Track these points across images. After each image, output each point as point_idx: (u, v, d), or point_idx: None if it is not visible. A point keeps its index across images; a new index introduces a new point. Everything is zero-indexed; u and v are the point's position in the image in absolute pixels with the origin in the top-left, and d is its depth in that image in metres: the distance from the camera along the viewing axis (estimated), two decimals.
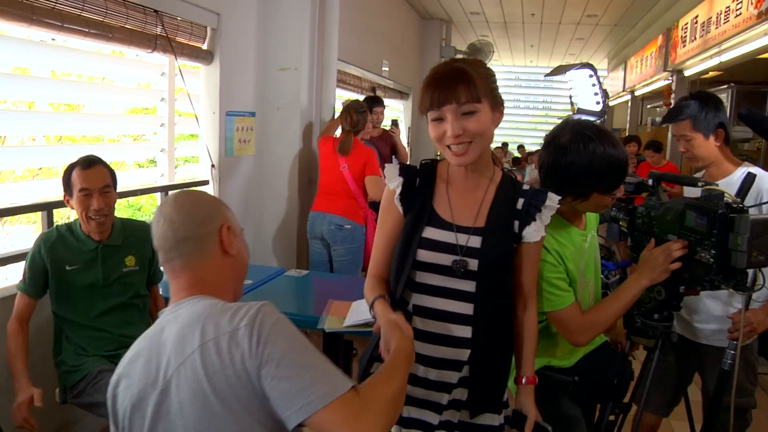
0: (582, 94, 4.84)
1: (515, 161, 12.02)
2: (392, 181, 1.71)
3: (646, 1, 8.25)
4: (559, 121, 2.08)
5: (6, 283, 2.77)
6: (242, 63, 4.38)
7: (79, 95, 3.70)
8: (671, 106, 2.65)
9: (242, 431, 1.13)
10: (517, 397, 1.76)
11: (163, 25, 3.44)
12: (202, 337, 1.15)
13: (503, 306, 1.68)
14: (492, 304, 1.64)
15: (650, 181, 2.07)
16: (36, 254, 2.45)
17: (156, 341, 1.23)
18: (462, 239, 1.63)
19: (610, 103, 13.18)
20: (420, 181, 1.70)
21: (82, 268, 2.49)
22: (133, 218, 2.72)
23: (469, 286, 1.62)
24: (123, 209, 7.71)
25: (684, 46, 6.88)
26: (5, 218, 7.53)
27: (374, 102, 5.11)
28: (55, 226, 2.58)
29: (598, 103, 4.36)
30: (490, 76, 1.58)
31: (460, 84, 1.51)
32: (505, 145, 13.15)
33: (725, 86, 6.40)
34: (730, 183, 2.28)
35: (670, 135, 7.78)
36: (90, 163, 2.48)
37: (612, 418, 2.13)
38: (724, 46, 5.74)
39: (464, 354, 1.65)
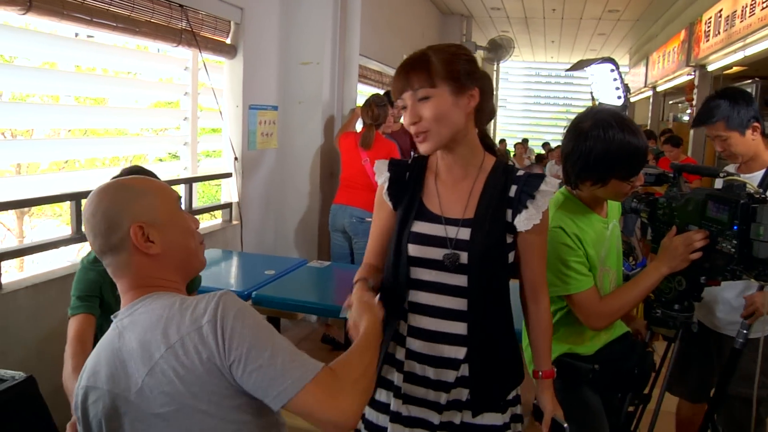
0: (603, 88, 4.81)
1: (538, 158, 11.94)
2: (380, 176, 1.69)
3: None
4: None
5: (31, 272, 2.83)
6: (265, 57, 4.43)
7: (103, 89, 3.77)
8: (699, 109, 2.63)
9: (227, 422, 1.14)
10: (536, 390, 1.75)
11: (187, 20, 3.49)
12: (166, 340, 1.11)
13: (499, 300, 1.62)
14: (486, 298, 1.58)
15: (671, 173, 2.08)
16: (88, 273, 2.12)
17: (116, 348, 1.17)
18: (451, 232, 1.57)
19: (632, 99, 13.08)
20: (410, 175, 1.66)
21: None
22: None
23: (461, 280, 1.56)
24: None
25: (707, 40, 6.82)
26: (32, 211, 7.69)
27: None
28: None
29: (619, 97, 4.33)
30: (455, 58, 1.50)
31: (415, 70, 1.48)
32: (525, 141, 13.09)
33: (749, 81, 6.33)
34: None
35: (692, 132, 7.71)
36: (133, 173, 2.24)
37: (632, 409, 2.13)
38: (749, 40, 5.68)
39: (461, 352, 1.59)
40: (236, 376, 1.09)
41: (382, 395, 1.68)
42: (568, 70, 8.03)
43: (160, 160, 5.18)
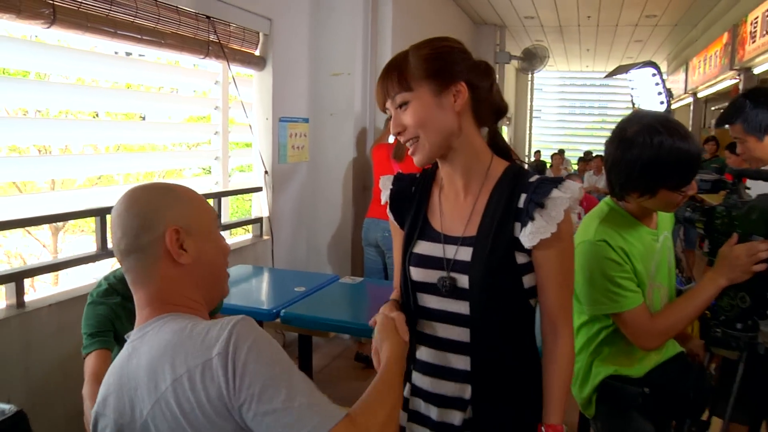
0: (644, 94, 4.62)
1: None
2: (383, 192, 1.52)
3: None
4: (618, 119, 1.95)
5: (59, 288, 2.77)
6: (295, 68, 4.36)
7: (136, 104, 3.74)
8: (726, 107, 2.49)
9: None
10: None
11: (215, 31, 3.43)
12: (173, 371, 1.00)
13: (513, 332, 1.38)
14: (493, 329, 1.34)
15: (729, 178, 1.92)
16: (96, 307, 2.01)
17: (125, 372, 1.08)
18: (450, 251, 1.36)
19: (673, 106, 12.76)
20: (415, 189, 1.48)
21: None
22: None
23: (463, 307, 1.34)
24: None
25: (754, 41, 6.56)
26: (66, 227, 7.76)
27: None
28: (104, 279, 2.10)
29: (662, 102, 4.16)
30: (433, 53, 1.32)
31: (389, 75, 1.33)
32: (561, 152, 12.83)
33: None
34: None
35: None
36: None
37: None
38: None
39: (466, 391, 1.37)
40: (246, 419, 0.97)
41: None
42: (606, 76, 7.82)
43: (195, 175, 5.15)
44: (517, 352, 1.38)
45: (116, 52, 3.52)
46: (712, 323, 1.90)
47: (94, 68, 3.12)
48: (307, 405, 0.97)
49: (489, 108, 1.38)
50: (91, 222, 3.29)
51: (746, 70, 7.13)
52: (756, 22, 6.48)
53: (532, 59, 10.56)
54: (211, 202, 3.70)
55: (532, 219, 1.29)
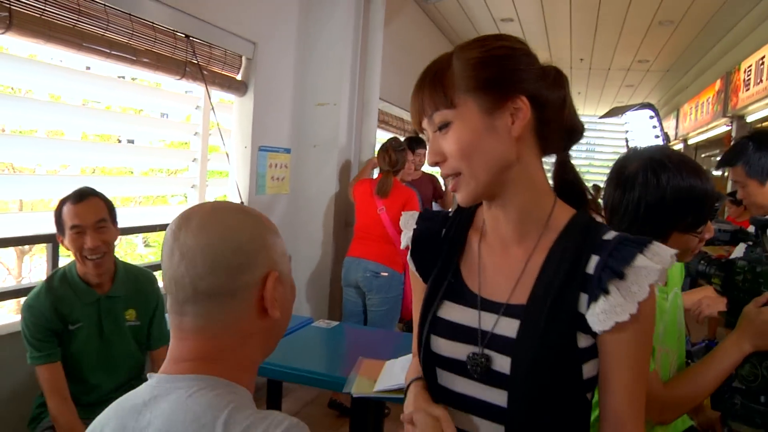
0: (641, 135, 4.49)
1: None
2: (405, 233, 1.20)
3: (702, 45, 7.90)
4: (606, 164, 1.76)
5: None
6: (278, 96, 4.15)
7: (111, 126, 3.52)
8: (728, 148, 2.35)
9: None
10: None
11: (194, 52, 3.22)
12: None
13: None
14: (533, 428, 1.00)
15: (752, 229, 1.72)
16: (33, 317, 2.09)
17: (130, 422, 0.85)
18: (487, 322, 1.03)
19: None
20: (446, 233, 1.14)
21: (83, 326, 2.16)
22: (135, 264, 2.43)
23: (499, 397, 1.00)
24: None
25: (748, 89, 6.48)
26: (34, 250, 7.43)
27: (416, 143, 4.81)
28: (43, 283, 2.17)
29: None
30: (486, 57, 1.00)
31: (428, 85, 1.01)
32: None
33: None
34: None
35: (729, 183, 7.33)
36: (82, 195, 2.13)
37: None
38: None
39: None
40: None
41: None
42: (602, 117, 7.66)
43: (180, 203, 4.92)
44: None
45: (88, 68, 3.30)
46: (726, 396, 1.68)
47: (64, 85, 2.89)
48: None
49: (559, 130, 1.05)
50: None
51: (739, 118, 7.05)
52: (750, 70, 6.41)
53: None
54: None
55: (606, 293, 0.95)
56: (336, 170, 4.45)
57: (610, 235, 1.00)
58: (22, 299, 2.20)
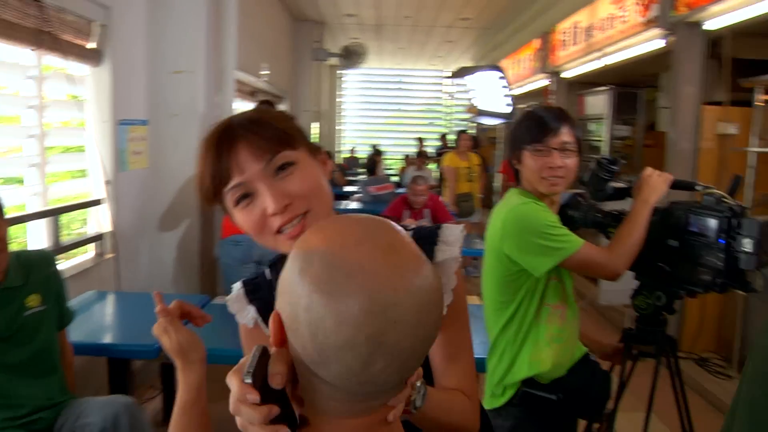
0: (489, 96, 4.74)
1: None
2: (245, 315, 1.12)
3: (519, 6, 8.48)
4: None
5: None
6: (133, 65, 3.85)
7: None
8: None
9: None
10: None
11: (46, 18, 2.87)
12: None
13: None
14: None
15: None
16: None
17: None
18: None
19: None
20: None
21: None
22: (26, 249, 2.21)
23: None
24: None
25: (565, 49, 7.10)
26: None
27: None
28: None
29: (508, 105, 4.29)
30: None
31: (260, 131, 1.00)
32: (378, 152, 12.80)
33: (606, 87, 6.66)
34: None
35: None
36: None
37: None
38: (608, 50, 5.95)
39: None
40: None
41: None
42: (450, 77, 7.97)
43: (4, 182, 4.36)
44: None
45: None
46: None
47: None
48: None
49: None
50: None
51: (556, 74, 7.71)
52: (566, 32, 7.02)
53: (350, 56, 10.60)
54: (41, 222, 3.11)
55: None
56: (196, 140, 4.21)
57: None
58: None
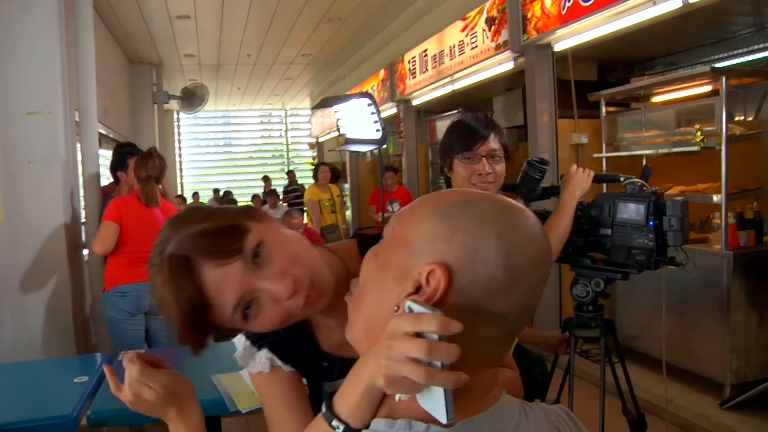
0: (358, 123, 4.80)
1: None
2: (258, 358, 1.11)
3: (362, 39, 8.70)
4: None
5: None
6: None
7: None
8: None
9: None
10: None
11: None
12: None
13: None
14: None
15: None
16: None
17: None
18: None
19: (321, 140, 13.62)
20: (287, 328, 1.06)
21: None
22: None
23: None
24: None
25: (414, 77, 7.38)
26: None
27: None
28: None
29: (378, 130, 4.34)
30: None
31: (227, 226, 0.98)
32: (226, 193, 12.46)
33: (455, 111, 7.01)
34: None
35: (404, 161, 8.25)
36: None
37: None
38: (458, 76, 6.29)
39: None
40: None
41: None
42: (314, 107, 7.92)
43: None
44: None
45: None
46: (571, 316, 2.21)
47: None
48: None
49: None
50: None
51: (405, 102, 7.99)
52: (414, 61, 7.31)
53: (191, 98, 10.26)
54: None
55: None
56: (60, 188, 3.87)
57: None
58: None
